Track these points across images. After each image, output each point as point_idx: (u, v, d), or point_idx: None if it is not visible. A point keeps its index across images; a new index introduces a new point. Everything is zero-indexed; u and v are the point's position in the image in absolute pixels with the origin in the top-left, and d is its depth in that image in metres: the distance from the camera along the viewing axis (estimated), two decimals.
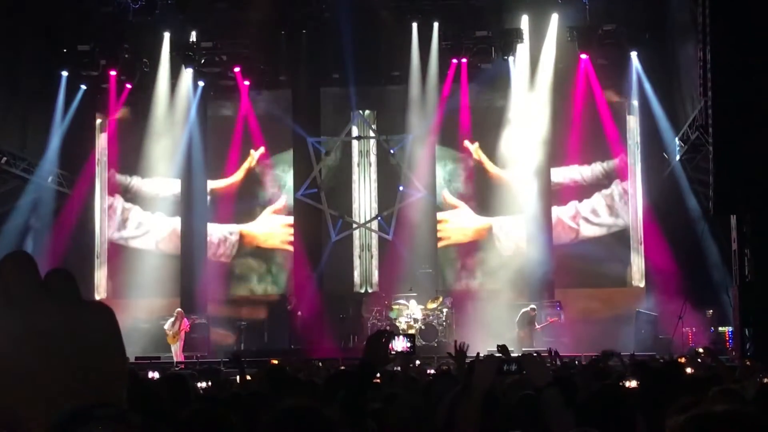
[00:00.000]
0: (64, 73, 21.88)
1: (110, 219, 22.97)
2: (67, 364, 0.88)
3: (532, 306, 19.86)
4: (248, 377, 7.66)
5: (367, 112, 22.78)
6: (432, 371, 9.08)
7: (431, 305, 20.30)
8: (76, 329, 0.89)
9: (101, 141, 23.02)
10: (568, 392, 4.48)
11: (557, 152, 22.06)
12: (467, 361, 6.40)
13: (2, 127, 20.07)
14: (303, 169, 22.54)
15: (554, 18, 21.67)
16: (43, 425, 0.86)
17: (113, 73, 22.02)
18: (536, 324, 19.65)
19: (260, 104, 22.43)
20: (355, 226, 22.59)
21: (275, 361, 10.46)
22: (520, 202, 21.96)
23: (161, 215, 22.80)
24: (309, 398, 3.77)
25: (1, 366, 0.88)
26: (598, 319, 19.55)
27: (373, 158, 22.78)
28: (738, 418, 2.33)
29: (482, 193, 22.46)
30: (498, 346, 7.27)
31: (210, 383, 7.57)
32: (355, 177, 22.77)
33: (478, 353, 8.17)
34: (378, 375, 4.94)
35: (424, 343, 18.62)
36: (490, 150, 22.28)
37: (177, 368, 15.49)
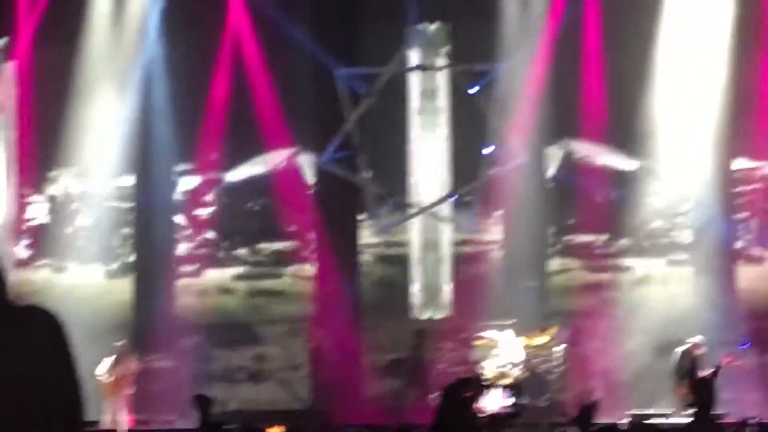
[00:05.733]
0: None
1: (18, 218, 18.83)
2: (3, 392, 0.68)
3: (696, 341, 16.34)
4: None
5: (433, 27, 18.84)
6: None
7: (539, 339, 17.87)
8: (10, 346, 0.79)
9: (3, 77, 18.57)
10: None
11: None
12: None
13: None
14: (329, 120, 18.59)
15: None
16: None
17: None
18: (704, 368, 15.89)
19: (261, 19, 18.10)
20: (413, 211, 19.02)
21: (281, 428, 10.06)
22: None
23: (102, 218, 18.78)
24: None
25: None
26: None
27: (442, 102, 18.86)
28: None
29: None
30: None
31: None
32: (413, 133, 18.94)
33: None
34: None
35: (527, 400, 16.58)
36: (634, 83, 17.89)
37: None
